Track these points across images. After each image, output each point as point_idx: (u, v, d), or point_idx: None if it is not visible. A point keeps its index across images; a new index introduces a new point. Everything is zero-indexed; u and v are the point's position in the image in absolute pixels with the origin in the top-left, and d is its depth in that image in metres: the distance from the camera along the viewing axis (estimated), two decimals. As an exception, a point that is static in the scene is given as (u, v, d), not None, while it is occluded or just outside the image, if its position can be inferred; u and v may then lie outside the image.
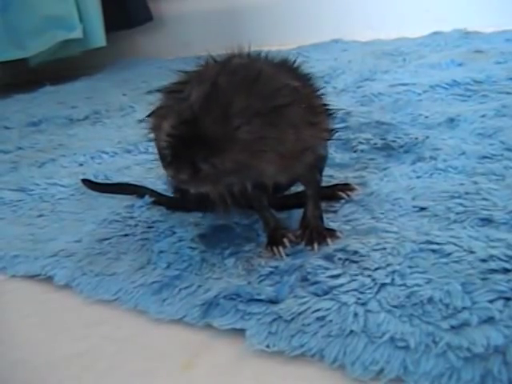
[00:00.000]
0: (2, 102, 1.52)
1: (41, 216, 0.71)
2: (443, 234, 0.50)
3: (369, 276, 0.46)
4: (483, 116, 0.76)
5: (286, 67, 0.53)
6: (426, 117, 0.80)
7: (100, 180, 0.78)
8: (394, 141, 0.73)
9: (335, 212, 0.58)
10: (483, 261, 0.45)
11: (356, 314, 0.42)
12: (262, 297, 0.46)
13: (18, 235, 0.66)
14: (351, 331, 0.41)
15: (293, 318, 0.43)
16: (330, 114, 0.54)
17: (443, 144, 0.69)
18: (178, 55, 1.77)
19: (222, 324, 0.45)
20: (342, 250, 0.50)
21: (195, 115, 0.45)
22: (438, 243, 0.48)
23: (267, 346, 0.42)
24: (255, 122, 0.45)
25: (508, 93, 0.85)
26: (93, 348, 0.47)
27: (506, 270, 0.43)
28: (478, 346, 0.36)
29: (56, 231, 0.65)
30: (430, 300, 0.41)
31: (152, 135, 0.58)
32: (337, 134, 0.74)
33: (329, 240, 0.52)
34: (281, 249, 0.52)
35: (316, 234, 0.53)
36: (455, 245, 0.48)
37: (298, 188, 0.60)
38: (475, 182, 0.58)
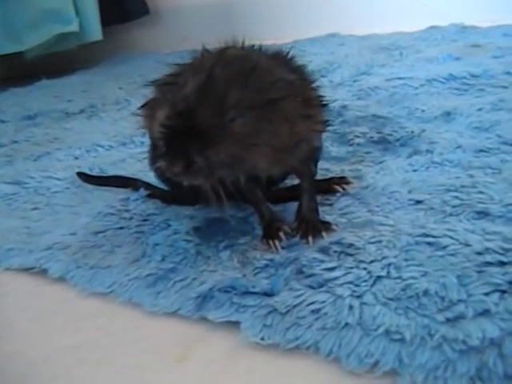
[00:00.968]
0: (-3, 96, 1.51)
1: (36, 209, 0.71)
2: (439, 226, 0.50)
3: (364, 269, 0.46)
4: (480, 110, 0.76)
5: (280, 59, 0.53)
6: (423, 110, 0.80)
7: (95, 173, 0.78)
8: (390, 134, 0.73)
9: (331, 205, 0.58)
10: (479, 254, 0.44)
11: (351, 307, 0.42)
12: (256, 289, 0.46)
13: (13, 228, 0.66)
14: (346, 324, 0.40)
15: (288, 311, 0.43)
16: (325, 106, 0.54)
17: (439, 137, 0.69)
18: (175, 49, 1.75)
19: (217, 317, 0.45)
20: (338, 242, 0.50)
21: (190, 107, 0.45)
22: (433, 236, 0.48)
23: (262, 339, 0.42)
24: (250, 115, 0.45)
25: (504, 87, 0.85)
26: (87, 340, 0.47)
27: (501, 263, 0.43)
28: (473, 338, 0.36)
29: (51, 224, 0.65)
30: (426, 293, 0.41)
31: (144, 126, 0.58)
32: (333, 128, 0.75)
33: (324, 233, 0.52)
34: (276, 242, 0.52)
35: (311, 226, 0.53)
36: (451, 238, 0.47)
37: (294, 181, 0.60)
38: (471, 176, 0.58)
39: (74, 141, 0.96)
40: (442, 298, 0.40)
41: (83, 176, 0.76)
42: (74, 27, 1.65)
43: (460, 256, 0.45)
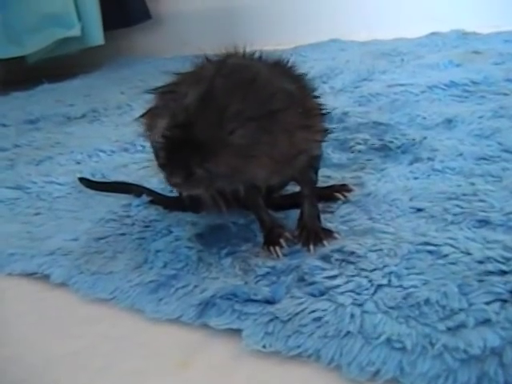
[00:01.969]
0: (-1, 100, 1.52)
1: (38, 214, 0.71)
2: (440, 235, 0.50)
3: (365, 277, 0.46)
4: (481, 117, 0.77)
5: (280, 68, 0.53)
6: (424, 117, 0.80)
7: (97, 178, 0.78)
8: (391, 141, 0.73)
9: (332, 212, 0.58)
10: (480, 262, 0.45)
11: (353, 315, 0.42)
12: (258, 297, 0.46)
13: (15, 233, 0.66)
14: (348, 332, 0.41)
15: (289, 319, 0.43)
16: (325, 114, 0.54)
17: (441, 145, 0.69)
18: (176, 54, 1.76)
19: (219, 324, 0.45)
20: (339, 250, 0.50)
21: (190, 118, 0.45)
22: (434, 244, 0.48)
23: (263, 347, 0.42)
24: (249, 127, 0.45)
25: (505, 94, 0.85)
26: (89, 346, 0.47)
27: (502, 272, 0.43)
28: (474, 347, 0.36)
29: (53, 229, 0.65)
30: (427, 301, 0.41)
31: (146, 135, 0.58)
32: (334, 135, 0.75)
33: (325, 241, 0.52)
34: (277, 248, 0.52)
35: (313, 234, 0.53)
36: (452, 246, 0.48)
37: (296, 188, 0.60)
38: (472, 184, 0.58)
39: (76, 145, 0.96)
40: (443, 307, 0.41)
41: (85, 181, 0.76)
42: (75, 32, 1.66)
43: (461, 264, 0.45)
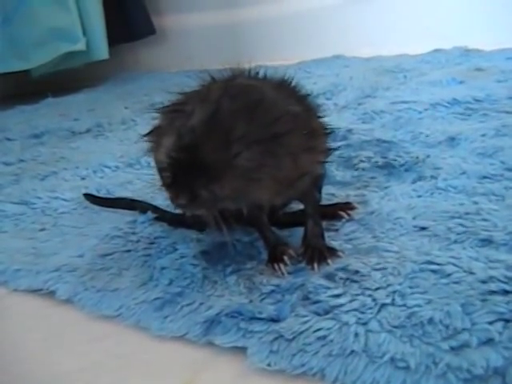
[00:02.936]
0: (4, 114, 1.53)
1: (43, 230, 0.71)
2: (443, 254, 0.50)
3: (369, 296, 0.46)
4: (483, 135, 0.77)
5: (285, 88, 0.53)
6: (427, 135, 0.81)
7: (102, 194, 0.79)
8: (394, 159, 0.74)
9: (336, 231, 0.59)
10: (483, 282, 0.45)
11: (357, 334, 0.42)
12: (263, 315, 0.46)
13: (20, 249, 0.66)
14: (352, 351, 0.41)
15: (294, 337, 0.43)
16: (329, 134, 0.55)
17: (444, 163, 0.70)
18: (181, 69, 1.78)
19: (224, 342, 0.45)
20: (343, 269, 0.50)
21: (196, 140, 0.45)
22: (438, 264, 0.49)
23: (268, 365, 0.42)
24: (255, 150, 0.45)
25: (508, 112, 0.86)
26: (95, 363, 0.47)
27: (505, 292, 0.43)
28: (477, 367, 0.37)
29: (58, 245, 0.66)
30: (431, 321, 0.42)
31: (151, 154, 0.59)
32: (338, 152, 0.75)
33: (329, 260, 0.52)
34: (281, 266, 0.52)
35: (317, 253, 0.53)
36: (455, 265, 0.48)
37: (300, 205, 0.60)
38: (475, 202, 0.59)
39: (81, 161, 0.97)
40: (447, 327, 0.41)
41: (90, 197, 0.77)
42: (81, 46, 1.68)
43: (464, 284, 0.45)
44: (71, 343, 0.50)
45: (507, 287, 0.44)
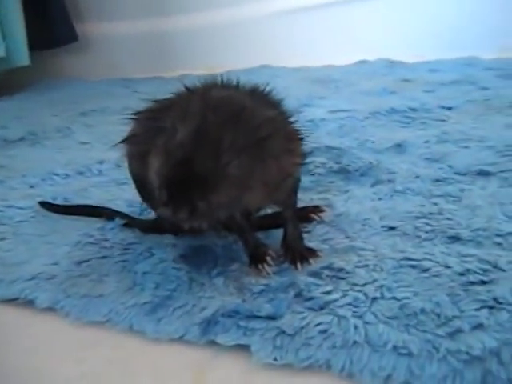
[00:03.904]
0: None
1: (3, 239, 0.69)
2: (417, 251, 0.54)
3: (359, 291, 0.49)
4: (427, 142, 0.83)
5: (259, 95, 0.56)
6: (373, 142, 0.86)
7: (59, 202, 0.77)
8: (348, 164, 0.78)
9: (309, 232, 0.62)
10: (461, 274, 0.50)
11: (356, 326, 0.45)
12: (261, 313, 0.48)
13: (-18, 259, 0.64)
14: (354, 342, 0.44)
15: (296, 332, 0.45)
16: (302, 139, 0.58)
17: (397, 168, 0.75)
18: (104, 76, 1.76)
19: (226, 340, 0.47)
20: (328, 267, 0.53)
21: (187, 155, 0.46)
22: (415, 259, 0.53)
23: (275, 359, 0.44)
24: (243, 157, 0.47)
25: (443, 120, 0.93)
26: (91, 371, 0.47)
27: (483, 282, 0.48)
28: (475, 349, 0.41)
29: (25, 254, 0.64)
30: (422, 311, 0.45)
31: (126, 163, 0.60)
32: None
33: (311, 259, 0.55)
34: (265, 266, 0.55)
35: (298, 254, 0.56)
36: (431, 261, 0.52)
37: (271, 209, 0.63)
38: (435, 203, 0.64)
39: (25, 169, 0.94)
40: (438, 315, 0.45)
41: (47, 205, 0.76)
42: (0, 52, 1.61)
43: (444, 277, 0.50)
44: (64, 351, 0.50)
45: (484, 278, 0.48)
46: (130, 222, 0.68)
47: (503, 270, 0.50)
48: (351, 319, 0.46)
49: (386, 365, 0.41)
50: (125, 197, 0.76)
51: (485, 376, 0.39)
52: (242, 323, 0.48)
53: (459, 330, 0.43)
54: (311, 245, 0.58)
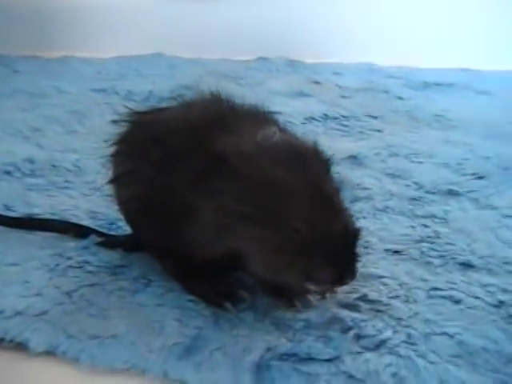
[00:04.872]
0: None
1: None
2: (438, 279, 0.55)
3: (407, 326, 0.48)
4: (377, 154, 0.84)
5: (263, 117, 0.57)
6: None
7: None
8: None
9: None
10: (496, 307, 0.51)
11: (426, 368, 0.44)
12: (320, 356, 0.45)
13: None
14: (430, 385, 0.43)
15: (366, 377, 0.43)
16: None
17: (367, 183, 0.74)
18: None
19: (291, 388, 0.43)
20: (361, 299, 0.52)
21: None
22: (441, 289, 0.53)
23: (351, 408, 0.42)
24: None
25: (379, 130, 0.95)
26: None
27: (522, 314, 0.50)
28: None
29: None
30: (484, 349, 0.46)
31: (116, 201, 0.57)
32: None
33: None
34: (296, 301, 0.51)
35: None
36: (457, 290, 0.53)
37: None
38: (425, 225, 0.65)
39: None
40: (499, 353, 0.45)
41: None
42: None
43: (480, 309, 0.50)
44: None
45: (520, 310, 0.50)
46: (112, 241, 0.60)
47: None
48: (416, 360, 0.45)
49: (472, 408, 0.41)
50: (82, 206, 0.67)
51: None
52: (299, 366, 0.44)
53: (526, 368, 0.44)
54: (322, 270, 0.56)
